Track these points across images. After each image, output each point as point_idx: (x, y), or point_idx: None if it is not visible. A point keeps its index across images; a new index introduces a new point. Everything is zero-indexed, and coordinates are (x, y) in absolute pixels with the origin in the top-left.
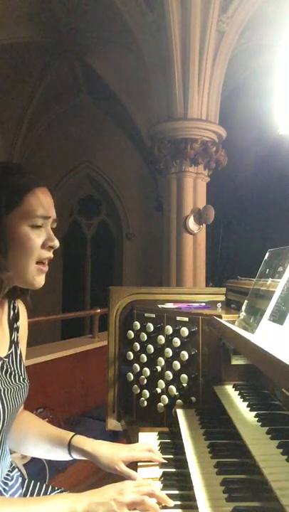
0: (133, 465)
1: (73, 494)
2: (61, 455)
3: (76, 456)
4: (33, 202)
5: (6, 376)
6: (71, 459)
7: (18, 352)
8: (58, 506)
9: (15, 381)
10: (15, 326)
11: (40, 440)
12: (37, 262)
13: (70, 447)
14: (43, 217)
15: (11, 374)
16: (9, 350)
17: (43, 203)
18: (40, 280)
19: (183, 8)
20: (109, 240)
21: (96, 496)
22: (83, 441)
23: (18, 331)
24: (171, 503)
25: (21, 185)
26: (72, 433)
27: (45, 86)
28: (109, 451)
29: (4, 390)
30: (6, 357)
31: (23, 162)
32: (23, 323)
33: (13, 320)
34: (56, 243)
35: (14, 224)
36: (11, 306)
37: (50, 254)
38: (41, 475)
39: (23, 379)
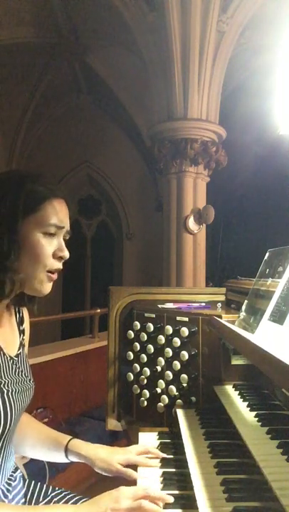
0: (135, 467)
1: (71, 506)
2: (58, 458)
3: (73, 459)
4: (48, 210)
5: (16, 375)
6: (68, 461)
7: (24, 354)
8: None
9: (22, 381)
10: (21, 328)
11: (37, 443)
12: (47, 271)
13: (67, 451)
14: (56, 227)
15: (19, 374)
16: (18, 350)
17: (58, 212)
18: (47, 287)
19: (183, 8)
20: (109, 240)
21: (93, 506)
22: (80, 445)
23: (24, 333)
24: (171, 499)
25: (39, 193)
26: (70, 437)
27: (45, 86)
28: (105, 455)
29: (13, 390)
30: (16, 356)
31: (23, 162)
32: (27, 326)
33: (20, 322)
34: (66, 254)
35: (28, 230)
36: (16, 309)
37: (59, 266)
38: (41, 475)
39: (29, 380)
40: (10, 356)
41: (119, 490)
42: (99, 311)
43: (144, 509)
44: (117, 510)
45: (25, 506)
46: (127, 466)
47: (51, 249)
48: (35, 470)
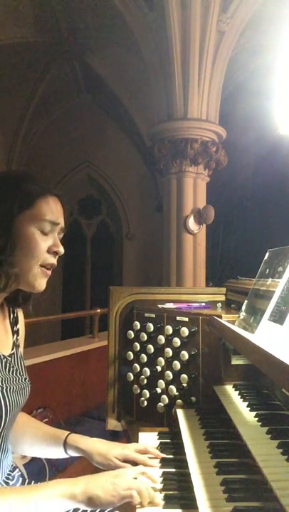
0: (134, 464)
1: (71, 479)
2: (57, 453)
3: (72, 454)
4: (43, 206)
5: (10, 373)
6: (67, 456)
7: (19, 354)
8: (57, 491)
9: (18, 380)
10: (15, 328)
11: (36, 440)
12: (41, 266)
13: (66, 445)
14: (51, 223)
15: (14, 372)
16: (12, 350)
17: (53, 209)
18: (41, 283)
19: (183, 8)
20: (109, 240)
21: (93, 478)
22: (78, 440)
23: (18, 333)
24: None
25: (35, 191)
26: (68, 432)
27: (45, 86)
28: (103, 449)
29: (7, 387)
30: (9, 356)
31: (23, 162)
32: (21, 326)
33: (13, 323)
34: (61, 250)
35: (23, 224)
36: (11, 310)
37: (54, 261)
38: (41, 475)
39: (25, 379)
40: (3, 355)
41: (119, 469)
42: (99, 311)
43: (145, 475)
44: (116, 484)
45: (25, 486)
46: (126, 463)
47: (46, 245)
48: (35, 470)
